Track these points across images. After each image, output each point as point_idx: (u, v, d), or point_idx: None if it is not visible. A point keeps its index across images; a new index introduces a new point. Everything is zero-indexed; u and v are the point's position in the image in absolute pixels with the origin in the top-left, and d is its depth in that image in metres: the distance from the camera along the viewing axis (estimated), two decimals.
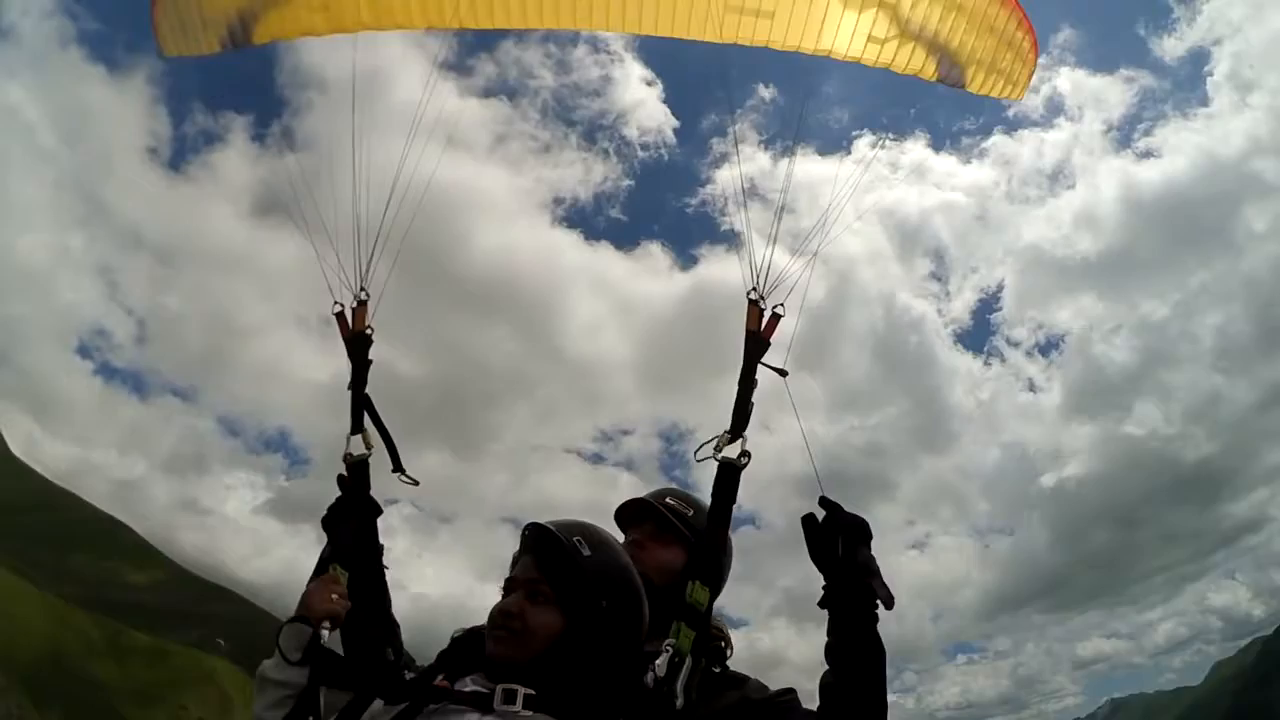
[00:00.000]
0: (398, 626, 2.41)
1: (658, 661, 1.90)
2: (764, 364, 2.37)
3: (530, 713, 1.73)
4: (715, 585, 2.08)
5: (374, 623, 2.31)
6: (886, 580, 1.97)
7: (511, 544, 2.10)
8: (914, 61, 3.76)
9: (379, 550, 2.47)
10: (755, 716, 2.05)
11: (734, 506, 2.20)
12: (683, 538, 2.38)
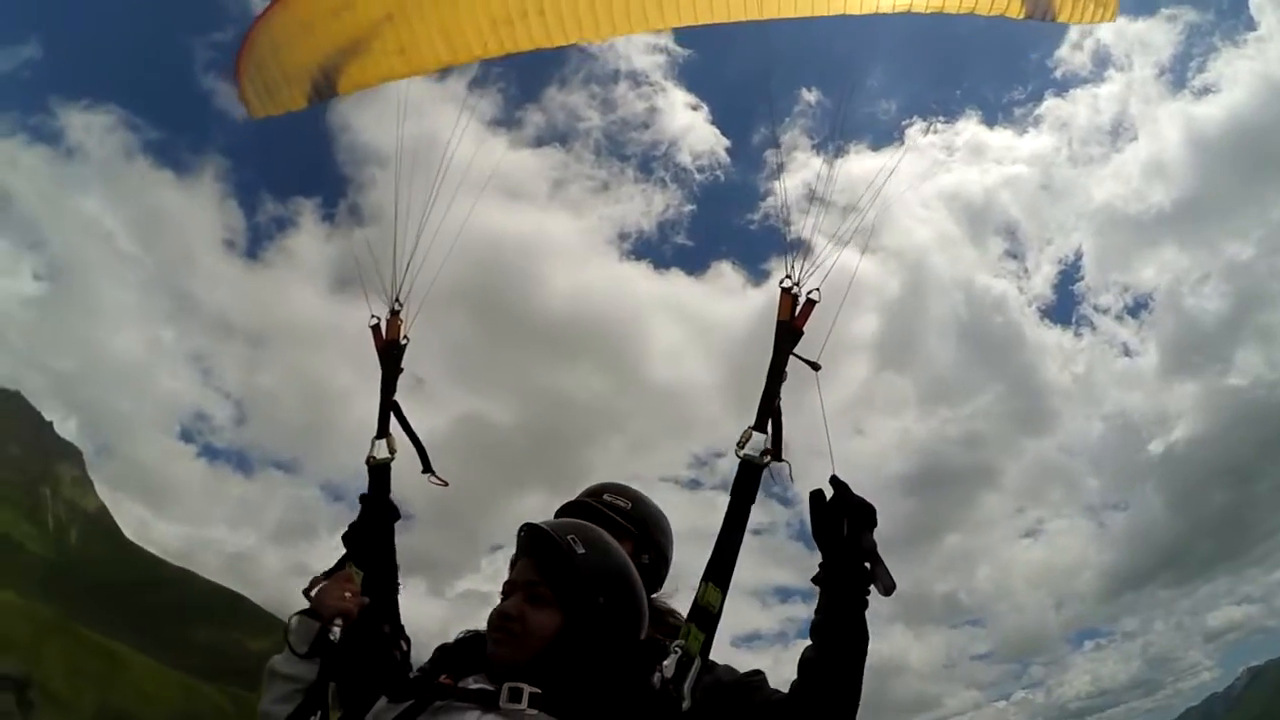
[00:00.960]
0: (403, 630, 2.41)
1: (665, 662, 1.89)
2: (796, 355, 2.27)
3: (536, 711, 1.72)
4: (727, 587, 2.05)
5: (383, 622, 2.32)
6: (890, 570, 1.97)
7: None
8: (999, 1, 3.47)
9: (394, 553, 2.49)
10: (727, 696, 2.05)
11: (752, 506, 2.15)
12: (625, 531, 2.38)
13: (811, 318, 2.31)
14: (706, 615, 2.00)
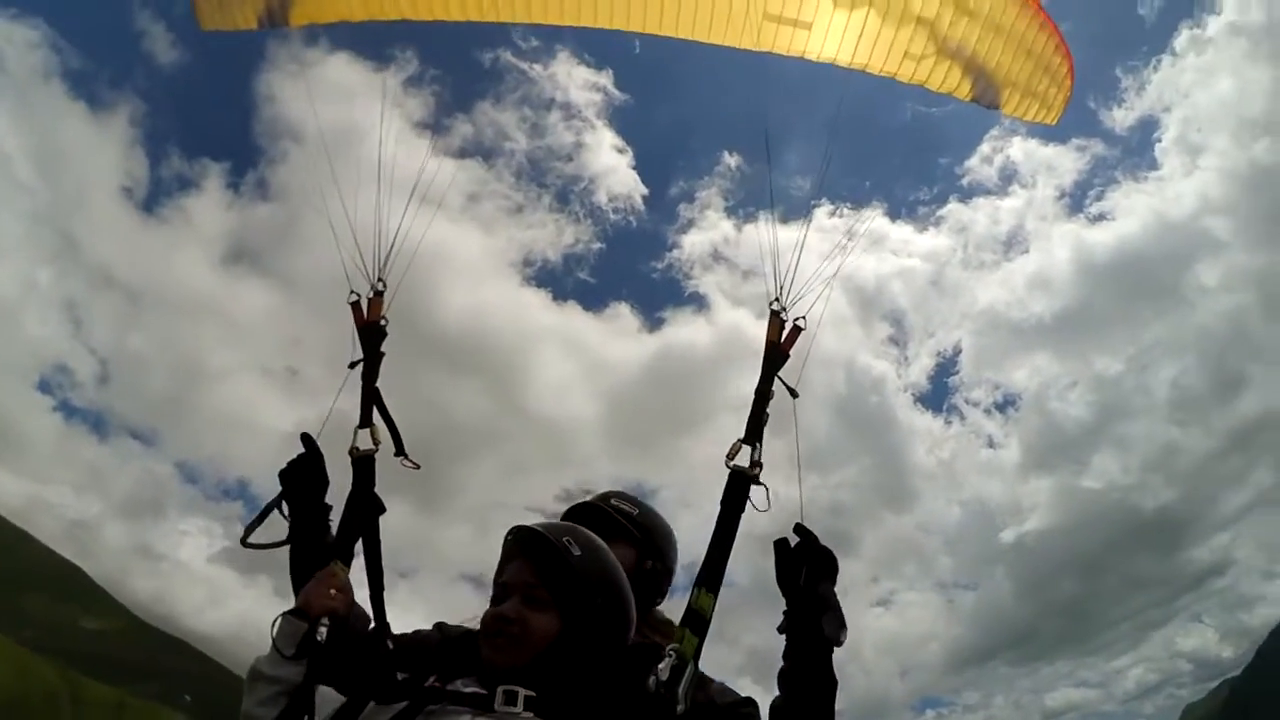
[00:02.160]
0: (387, 626, 2.30)
1: (660, 666, 1.89)
2: (780, 379, 2.35)
3: (530, 715, 1.71)
4: (717, 591, 2.10)
5: (370, 619, 2.25)
6: (849, 623, 1.98)
7: (471, 599, 2.29)
8: (949, 80, 3.74)
9: (379, 548, 2.38)
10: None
11: (742, 515, 2.20)
12: (630, 536, 2.42)
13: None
14: (699, 620, 2.04)
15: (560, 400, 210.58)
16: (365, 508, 2.38)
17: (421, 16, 3.23)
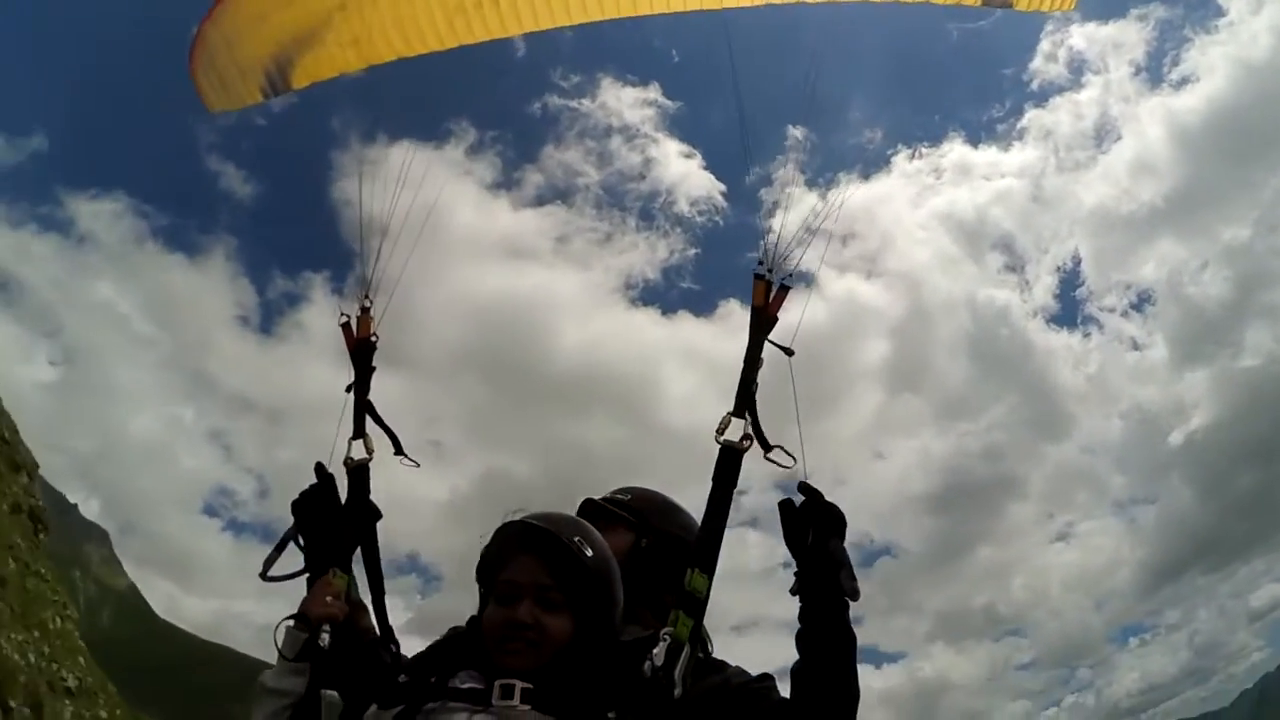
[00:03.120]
0: (392, 631, 2.38)
1: (655, 650, 1.88)
2: (770, 341, 2.29)
3: (527, 708, 1.71)
4: (712, 573, 2.06)
5: (370, 625, 2.32)
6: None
7: None
8: None
9: (378, 554, 2.46)
10: (733, 700, 2.03)
11: (734, 491, 2.16)
12: (623, 520, 2.43)
13: (785, 304, 2.34)
14: (693, 601, 1.99)
15: (692, 410, 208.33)
16: (362, 516, 2.43)
17: (416, 51, 3.24)
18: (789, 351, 2.29)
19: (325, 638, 2.06)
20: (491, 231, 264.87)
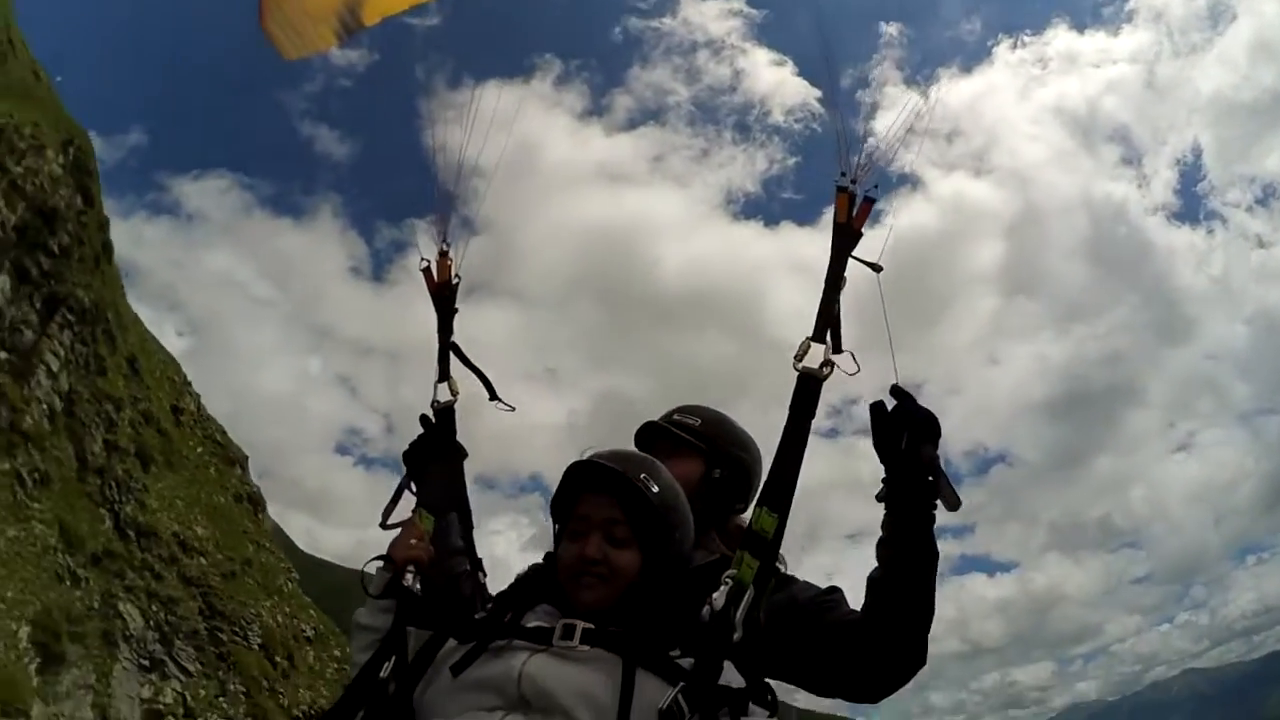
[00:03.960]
0: (482, 568, 2.42)
1: (715, 595, 1.80)
2: (855, 258, 2.13)
3: (587, 648, 1.71)
4: (785, 512, 1.93)
5: (459, 568, 2.35)
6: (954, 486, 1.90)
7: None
8: None
9: (465, 495, 2.51)
10: (800, 615, 2.02)
11: (811, 422, 2.03)
12: (694, 448, 2.37)
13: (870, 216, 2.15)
14: (760, 542, 1.88)
15: (801, 322, 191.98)
16: (451, 455, 2.47)
17: None
18: (876, 268, 2.12)
19: (409, 577, 2.11)
20: (587, 159, 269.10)
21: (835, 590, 2.10)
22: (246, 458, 36.74)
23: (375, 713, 1.84)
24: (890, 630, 1.91)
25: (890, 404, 1.96)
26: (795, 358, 2.05)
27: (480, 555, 2.44)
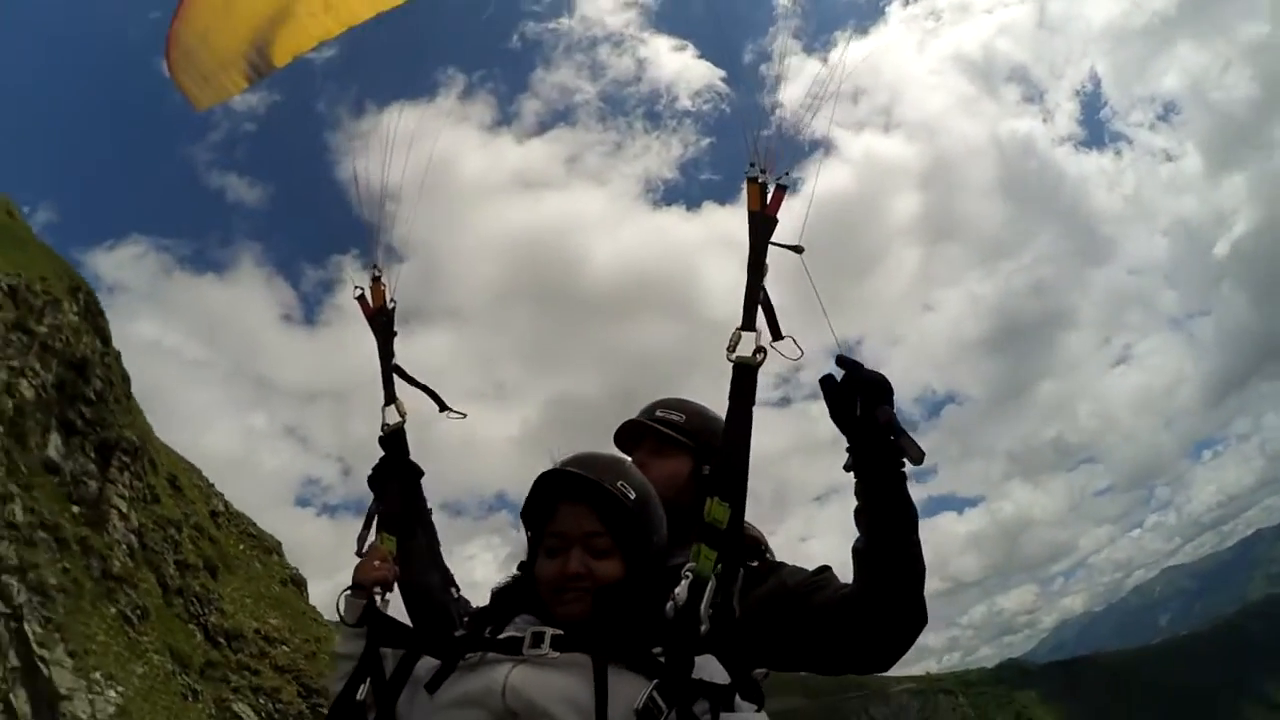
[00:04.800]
0: (451, 577, 2.49)
1: (677, 590, 1.80)
2: (775, 244, 2.13)
3: (557, 653, 1.71)
4: (737, 500, 1.92)
5: (431, 581, 2.40)
6: (915, 437, 1.87)
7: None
8: None
9: (426, 511, 2.57)
10: (793, 599, 2.03)
11: (753, 409, 2.02)
12: (681, 445, 2.36)
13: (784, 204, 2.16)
14: (714, 533, 1.87)
15: (739, 296, 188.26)
16: (407, 477, 2.52)
17: (390, 6, 3.05)
18: (798, 249, 2.13)
19: (378, 599, 2.15)
20: (503, 168, 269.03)
21: (825, 570, 2.09)
22: (280, 544, 37.79)
23: None
24: (885, 597, 1.90)
25: (839, 375, 1.94)
26: (728, 349, 2.05)
27: (459, 580, 2.46)
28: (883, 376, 1.89)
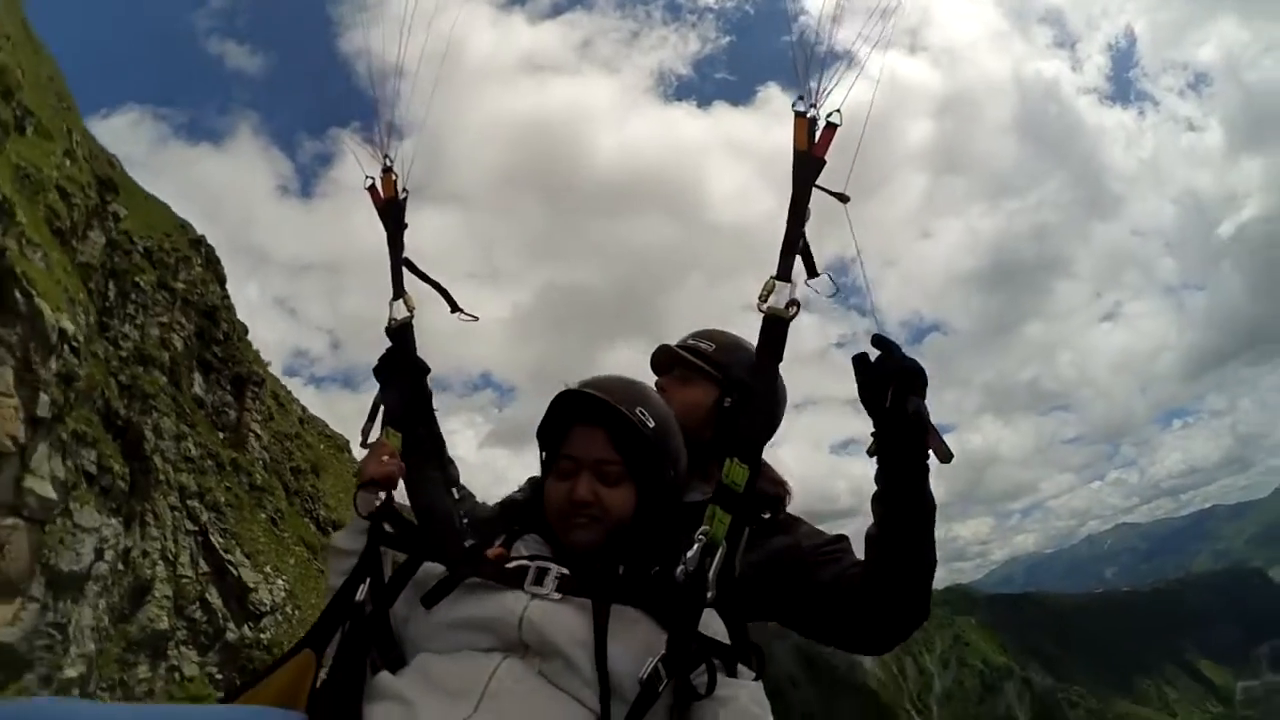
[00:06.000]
0: (455, 475, 2.31)
1: (688, 554, 1.64)
2: (819, 187, 1.89)
3: (560, 595, 1.60)
4: (755, 464, 1.74)
5: (435, 481, 2.19)
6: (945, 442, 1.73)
7: None
8: None
9: (431, 408, 2.32)
10: (804, 564, 1.96)
11: (779, 364, 1.86)
12: (706, 374, 2.26)
13: (834, 143, 1.87)
14: (731, 496, 1.69)
15: (743, 200, 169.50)
16: (412, 372, 2.28)
17: None
18: (844, 198, 1.88)
19: (383, 495, 1.97)
20: (512, 48, 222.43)
21: (841, 539, 2.03)
22: (348, 441, 42.47)
23: (353, 635, 1.73)
24: (891, 587, 1.83)
25: (873, 355, 1.78)
26: (760, 298, 1.84)
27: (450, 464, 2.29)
28: (918, 365, 1.73)
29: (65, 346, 18.67)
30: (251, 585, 25.96)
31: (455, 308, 2.42)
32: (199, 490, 25.89)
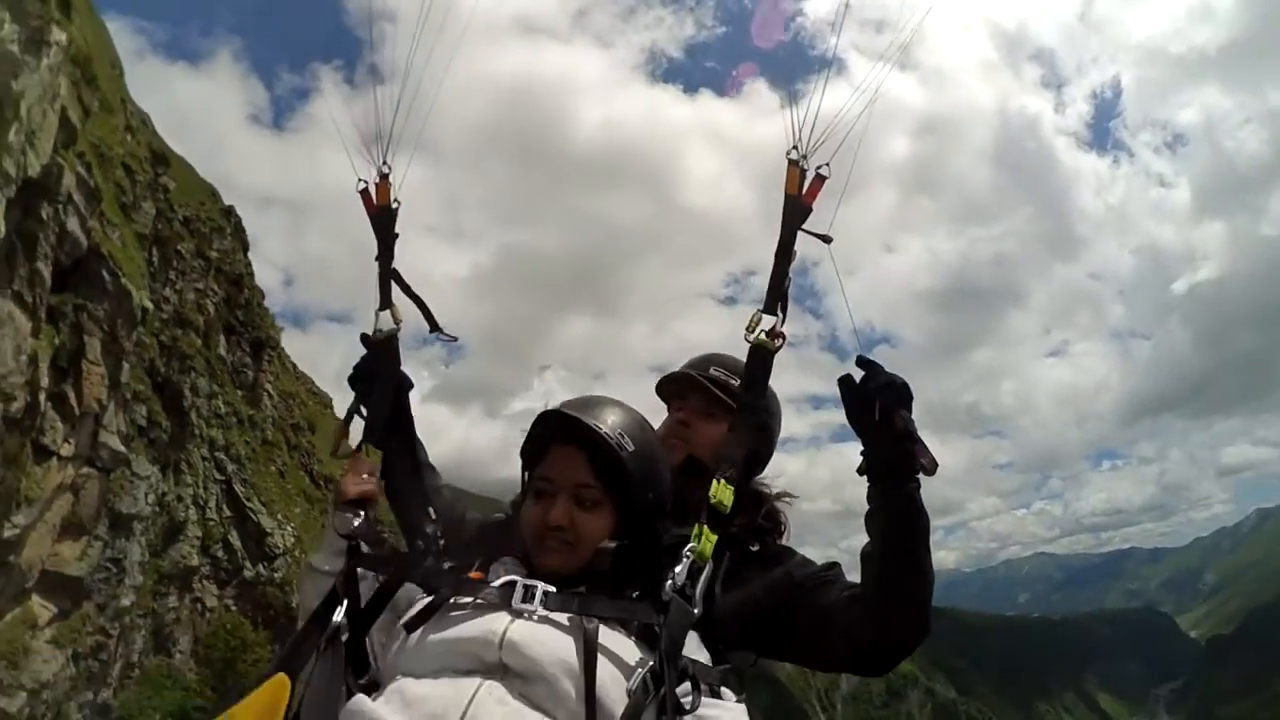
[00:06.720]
0: (430, 494, 2.19)
1: (676, 570, 1.65)
2: (805, 230, 1.98)
3: (545, 611, 1.56)
4: (742, 484, 1.83)
5: (415, 502, 2.11)
6: (929, 444, 1.77)
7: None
8: None
9: (412, 425, 2.26)
10: (798, 593, 1.94)
11: (765, 392, 1.95)
12: (727, 407, 2.20)
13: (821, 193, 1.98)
14: (718, 515, 1.73)
15: (716, 190, 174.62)
16: (395, 386, 2.20)
17: None
18: (827, 239, 1.97)
19: (362, 514, 1.92)
20: (505, 6, 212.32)
21: (834, 566, 2.02)
22: (332, 400, 44.88)
23: (329, 658, 1.64)
24: (889, 604, 1.81)
25: (858, 376, 1.83)
26: (747, 329, 1.94)
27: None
28: (902, 381, 1.79)
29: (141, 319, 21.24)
30: (268, 530, 29.03)
31: (435, 328, 2.38)
32: (225, 444, 28.63)
